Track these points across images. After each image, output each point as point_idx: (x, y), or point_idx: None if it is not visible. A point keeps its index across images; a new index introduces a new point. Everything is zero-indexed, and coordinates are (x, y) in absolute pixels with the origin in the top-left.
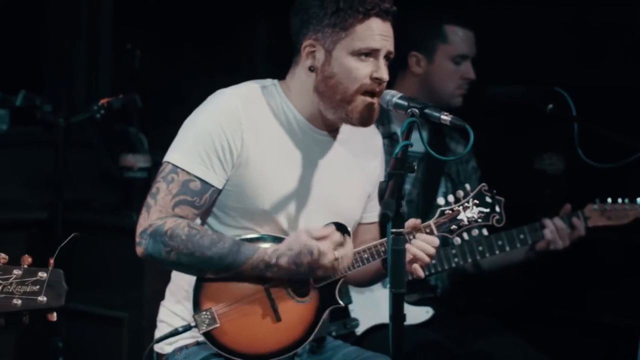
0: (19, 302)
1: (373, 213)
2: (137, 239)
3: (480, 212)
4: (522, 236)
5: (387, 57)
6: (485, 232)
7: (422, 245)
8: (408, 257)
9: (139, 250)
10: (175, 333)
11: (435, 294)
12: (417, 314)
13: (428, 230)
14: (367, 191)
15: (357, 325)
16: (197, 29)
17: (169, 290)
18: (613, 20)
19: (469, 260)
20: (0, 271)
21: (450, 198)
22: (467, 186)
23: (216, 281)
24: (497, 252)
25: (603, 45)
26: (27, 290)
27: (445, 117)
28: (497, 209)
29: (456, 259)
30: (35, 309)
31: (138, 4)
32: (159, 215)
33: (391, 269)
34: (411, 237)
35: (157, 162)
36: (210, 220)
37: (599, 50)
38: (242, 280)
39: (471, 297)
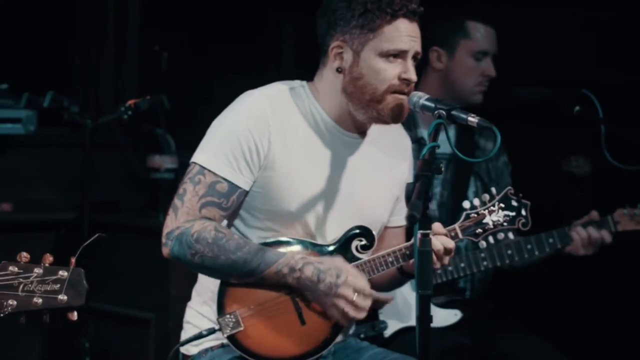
0: (40, 300)
1: (400, 216)
2: (164, 240)
3: (505, 215)
4: (551, 240)
5: (414, 57)
6: (511, 235)
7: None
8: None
9: (165, 251)
10: (199, 336)
11: (464, 296)
12: (445, 317)
13: (453, 234)
14: (395, 194)
15: (385, 328)
16: (224, 30)
17: (196, 291)
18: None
19: (498, 264)
20: (21, 270)
21: (476, 202)
22: (493, 189)
23: (241, 285)
24: (527, 256)
25: (623, 41)
26: (48, 289)
27: (473, 119)
28: (523, 212)
29: (485, 262)
30: (56, 307)
31: (165, 6)
32: (187, 218)
33: (418, 270)
34: None
35: (184, 164)
36: (236, 222)
37: (620, 47)
38: (266, 284)
39: (500, 300)
